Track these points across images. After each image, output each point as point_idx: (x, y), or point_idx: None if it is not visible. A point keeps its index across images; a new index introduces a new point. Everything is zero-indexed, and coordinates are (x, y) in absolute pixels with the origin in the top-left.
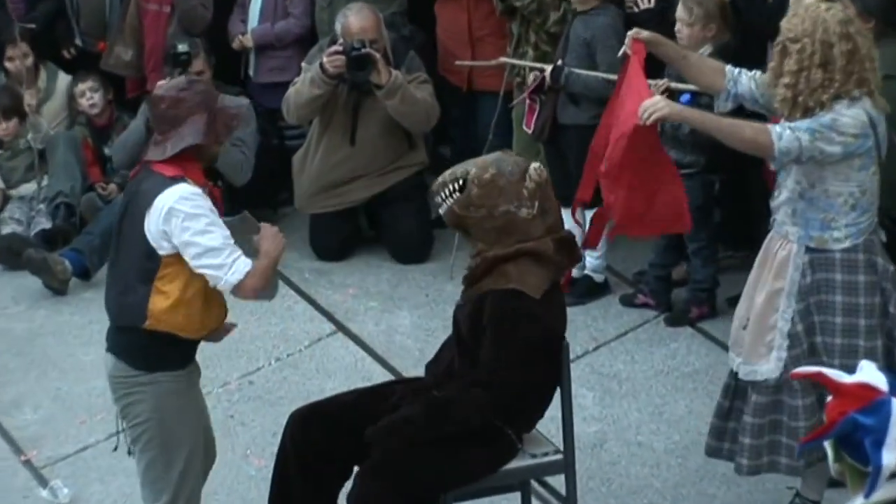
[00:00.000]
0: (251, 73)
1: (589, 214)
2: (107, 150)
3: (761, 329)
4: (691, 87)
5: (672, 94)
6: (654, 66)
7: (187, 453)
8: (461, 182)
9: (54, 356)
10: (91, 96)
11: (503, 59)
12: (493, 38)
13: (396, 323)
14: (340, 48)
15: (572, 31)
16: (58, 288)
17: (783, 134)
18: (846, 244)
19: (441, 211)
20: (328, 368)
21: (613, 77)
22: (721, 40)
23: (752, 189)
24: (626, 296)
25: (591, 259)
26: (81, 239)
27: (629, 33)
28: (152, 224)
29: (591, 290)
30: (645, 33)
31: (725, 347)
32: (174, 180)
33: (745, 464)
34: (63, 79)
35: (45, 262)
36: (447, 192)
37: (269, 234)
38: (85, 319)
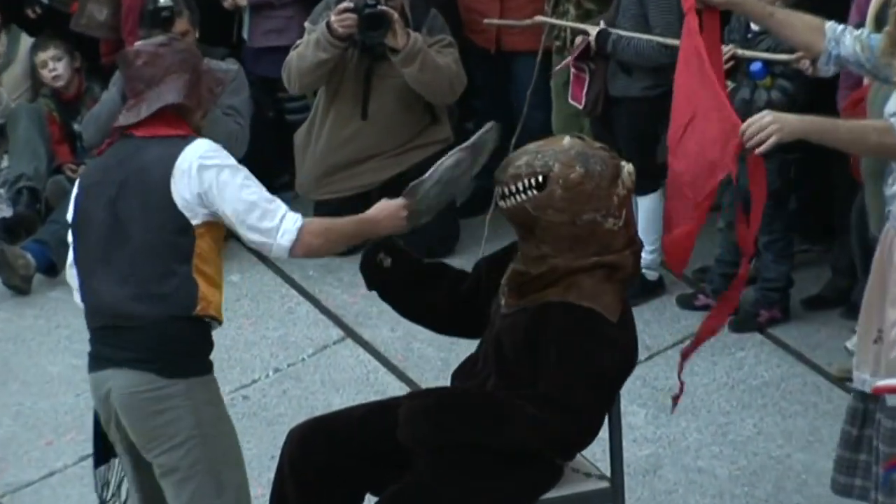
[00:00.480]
0: (245, 35)
1: None
2: (76, 126)
3: (890, 344)
4: (761, 54)
5: (739, 63)
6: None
7: (238, 470)
8: (541, 178)
9: (16, 366)
10: (54, 67)
11: (540, 18)
12: None
13: (415, 328)
14: (351, 5)
15: None
16: (20, 286)
17: None
18: None
19: (506, 204)
20: (335, 380)
21: (670, 41)
22: None
23: (834, 170)
24: (684, 296)
25: (644, 254)
26: (47, 228)
27: None
28: (184, 188)
29: (643, 290)
30: None
31: (800, 356)
32: (186, 138)
33: (880, 500)
34: (26, 42)
35: (3, 255)
36: (521, 187)
37: (389, 208)
38: (51, 323)
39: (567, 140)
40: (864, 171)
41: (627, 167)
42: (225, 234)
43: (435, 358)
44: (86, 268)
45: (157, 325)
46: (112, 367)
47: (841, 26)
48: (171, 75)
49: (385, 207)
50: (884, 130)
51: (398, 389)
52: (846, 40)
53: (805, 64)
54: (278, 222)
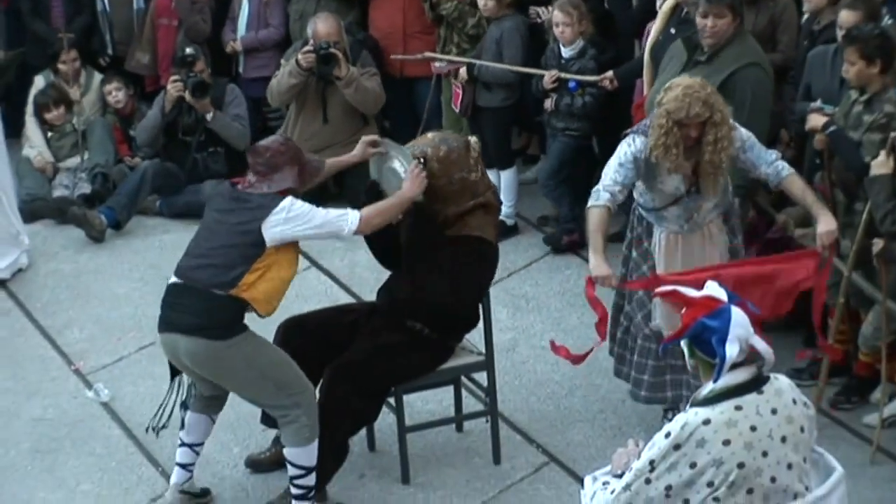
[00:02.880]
0: (241, 70)
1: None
2: (131, 132)
3: None
4: (577, 76)
5: (562, 83)
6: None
7: (285, 371)
8: (422, 160)
9: (95, 289)
10: (116, 95)
11: (428, 54)
12: (422, 34)
13: (357, 259)
14: (311, 48)
15: (488, 33)
16: (96, 237)
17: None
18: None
19: None
20: (305, 295)
21: (514, 68)
22: (588, 33)
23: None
24: (550, 237)
25: (506, 207)
26: (113, 199)
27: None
28: (274, 225)
29: (505, 232)
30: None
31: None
32: (280, 196)
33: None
34: (97, 77)
35: (85, 217)
36: None
37: (412, 176)
38: (118, 260)
39: (430, 134)
40: None
41: (473, 139)
42: None
43: (370, 279)
44: (191, 245)
45: (204, 293)
46: (177, 332)
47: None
48: (287, 166)
49: (408, 177)
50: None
51: (347, 300)
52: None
53: (606, 82)
54: (344, 216)
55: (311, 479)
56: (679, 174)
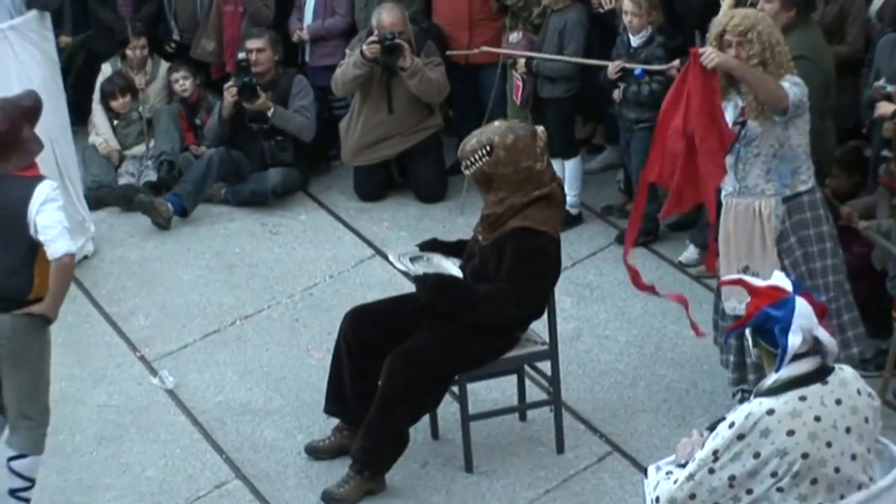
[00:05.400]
0: (307, 58)
1: None
2: (197, 121)
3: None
4: (645, 66)
5: (628, 72)
6: (607, 45)
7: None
8: (488, 148)
9: (160, 276)
10: (183, 83)
11: (485, 48)
12: (487, 21)
13: None
14: (376, 38)
15: (550, 24)
16: (162, 224)
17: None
18: (810, 185)
19: (469, 172)
20: (369, 283)
21: (575, 60)
22: (657, 21)
23: None
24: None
25: (570, 197)
26: (179, 186)
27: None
28: (34, 213)
29: (569, 221)
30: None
31: (671, 263)
32: (38, 179)
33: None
34: (164, 65)
35: (152, 204)
36: (477, 157)
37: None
38: (184, 248)
39: (497, 122)
40: None
41: (539, 129)
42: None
43: None
44: None
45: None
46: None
47: None
48: (22, 131)
49: None
50: (779, 84)
51: (410, 289)
52: None
53: (673, 71)
54: (68, 239)
55: (33, 492)
56: (730, 102)
